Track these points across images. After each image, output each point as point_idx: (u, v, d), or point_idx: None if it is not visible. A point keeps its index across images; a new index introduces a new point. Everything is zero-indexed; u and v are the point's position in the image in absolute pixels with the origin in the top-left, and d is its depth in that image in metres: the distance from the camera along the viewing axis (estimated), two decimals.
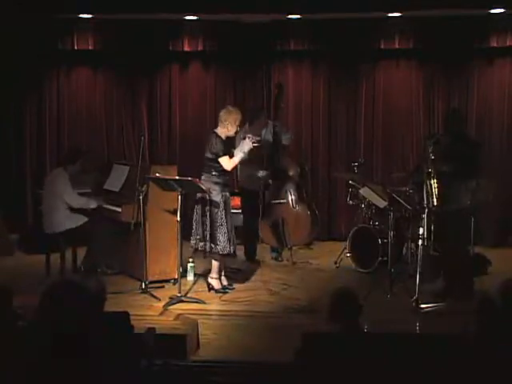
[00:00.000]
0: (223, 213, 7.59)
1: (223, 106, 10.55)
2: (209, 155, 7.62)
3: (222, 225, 7.57)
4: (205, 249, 7.67)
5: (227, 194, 7.69)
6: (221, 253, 7.64)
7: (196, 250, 7.84)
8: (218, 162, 7.57)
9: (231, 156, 7.62)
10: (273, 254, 9.53)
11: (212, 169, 7.61)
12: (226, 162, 7.57)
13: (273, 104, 9.80)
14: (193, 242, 7.75)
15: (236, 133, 7.83)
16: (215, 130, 7.70)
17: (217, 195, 7.57)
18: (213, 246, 7.61)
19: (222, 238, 7.58)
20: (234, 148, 7.78)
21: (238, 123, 7.69)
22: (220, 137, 7.62)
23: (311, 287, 8.08)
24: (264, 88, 10.79)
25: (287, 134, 9.49)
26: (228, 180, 7.81)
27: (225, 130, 7.65)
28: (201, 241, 7.66)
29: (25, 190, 10.59)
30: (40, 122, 10.69)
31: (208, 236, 7.59)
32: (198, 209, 7.66)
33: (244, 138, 7.73)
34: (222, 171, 7.62)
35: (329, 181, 10.70)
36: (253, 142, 7.67)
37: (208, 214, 7.57)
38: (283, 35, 10.38)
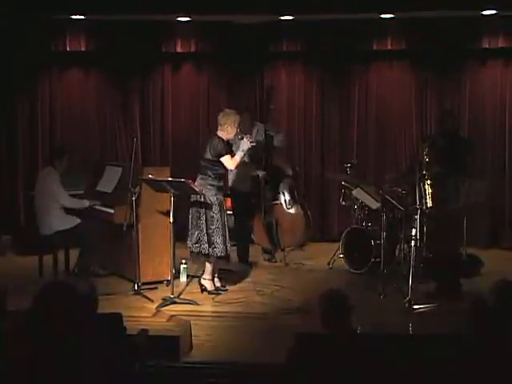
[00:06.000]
0: (219, 215, 7.60)
1: (216, 107, 10.70)
2: (209, 156, 7.62)
3: (218, 227, 7.58)
4: (200, 251, 7.69)
5: (221, 197, 7.71)
6: (218, 255, 7.65)
7: (192, 252, 7.85)
8: (217, 165, 7.59)
9: (232, 156, 7.66)
10: (265, 255, 9.54)
11: (209, 171, 7.61)
12: (229, 161, 7.61)
13: (265, 106, 9.84)
14: (189, 244, 7.78)
15: (236, 135, 7.84)
16: (217, 133, 7.71)
17: (211, 197, 7.58)
18: (210, 249, 7.62)
19: (218, 240, 7.59)
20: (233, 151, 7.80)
21: (236, 125, 7.72)
22: (222, 139, 7.64)
23: (304, 288, 8.08)
24: (257, 89, 10.80)
25: (279, 135, 9.51)
26: (223, 185, 7.81)
27: (225, 132, 7.67)
28: (196, 243, 7.67)
29: (17, 190, 10.55)
30: (32, 123, 10.65)
31: (205, 239, 7.60)
32: (192, 211, 7.67)
33: (241, 139, 7.76)
34: (218, 174, 7.65)
35: (322, 182, 10.71)
36: (250, 142, 7.72)
37: (203, 216, 7.59)
38: (276, 36, 10.38)
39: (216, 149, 7.58)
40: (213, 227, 7.58)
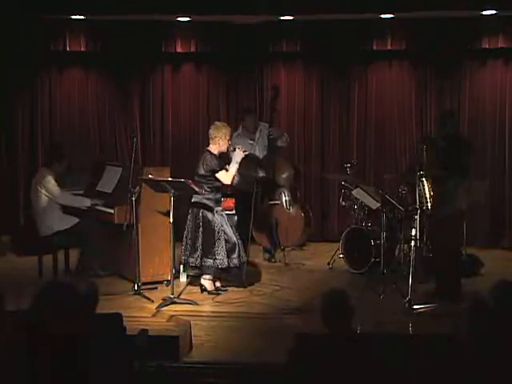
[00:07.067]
0: (219, 227, 7.59)
1: (216, 107, 10.74)
2: (202, 172, 7.60)
3: (218, 239, 7.59)
4: (188, 262, 7.72)
5: (219, 208, 7.71)
6: (219, 266, 7.66)
7: (186, 264, 7.88)
8: (211, 179, 7.59)
9: (227, 170, 7.65)
10: (266, 255, 9.54)
11: (205, 185, 7.60)
12: (224, 176, 7.60)
13: (269, 106, 9.87)
14: (183, 257, 7.77)
15: (228, 147, 7.83)
16: (208, 148, 7.70)
17: (209, 211, 7.59)
18: (209, 261, 7.61)
19: (219, 251, 7.59)
20: (228, 163, 7.79)
21: (228, 137, 7.73)
22: (213, 154, 7.64)
23: (304, 288, 8.08)
24: (257, 89, 10.80)
25: (283, 136, 9.51)
26: (220, 197, 7.80)
27: (216, 146, 7.67)
28: (191, 256, 7.67)
29: (17, 190, 10.55)
30: (32, 123, 10.65)
31: (199, 252, 7.60)
32: (190, 224, 7.68)
33: (234, 150, 7.77)
34: (215, 188, 7.65)
35: (322, 182, 10.71)
36: (243, 151, 7.73)
37: (200, 229, 7.59)
38: (276, 36, 10.37)
39: (209, 165, 7.56)
40: (213, 240, 7.58)
